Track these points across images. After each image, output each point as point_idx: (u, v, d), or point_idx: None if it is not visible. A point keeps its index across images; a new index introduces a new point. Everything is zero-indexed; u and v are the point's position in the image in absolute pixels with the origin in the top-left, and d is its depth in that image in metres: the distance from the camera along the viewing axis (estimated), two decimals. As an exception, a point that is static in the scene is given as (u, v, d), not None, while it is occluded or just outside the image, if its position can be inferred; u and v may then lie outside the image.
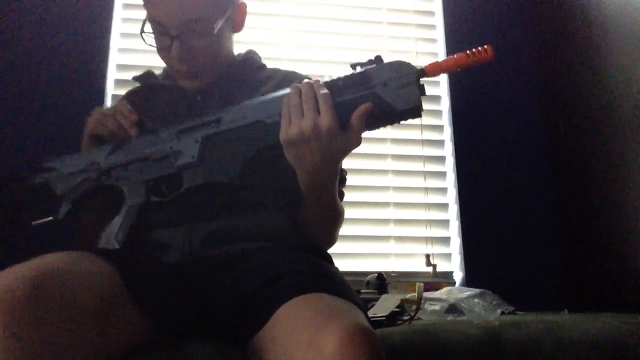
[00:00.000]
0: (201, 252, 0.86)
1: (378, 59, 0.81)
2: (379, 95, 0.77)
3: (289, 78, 1.05)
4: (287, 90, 0.83)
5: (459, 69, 0.79)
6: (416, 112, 0.77)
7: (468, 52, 0.78)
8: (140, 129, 0.91)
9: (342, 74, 0.81)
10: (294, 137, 0.78)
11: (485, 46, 0.78)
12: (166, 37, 0.92)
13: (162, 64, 1.02)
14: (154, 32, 0.95)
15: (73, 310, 0.59)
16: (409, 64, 0.79)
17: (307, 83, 0.80)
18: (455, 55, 0.78)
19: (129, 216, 0.86)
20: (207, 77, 0.99)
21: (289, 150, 0.81)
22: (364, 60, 0.82)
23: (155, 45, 0.96)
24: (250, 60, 1.08)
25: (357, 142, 0.79)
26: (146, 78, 1.07)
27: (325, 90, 0.79)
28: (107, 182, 0.90)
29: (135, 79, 1.07)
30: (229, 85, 1.01)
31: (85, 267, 0.67)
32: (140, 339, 0.73)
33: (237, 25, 1.03)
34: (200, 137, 0.86)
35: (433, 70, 0.79)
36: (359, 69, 0.80)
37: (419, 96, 0.77)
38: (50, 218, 0.89)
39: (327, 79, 0.82)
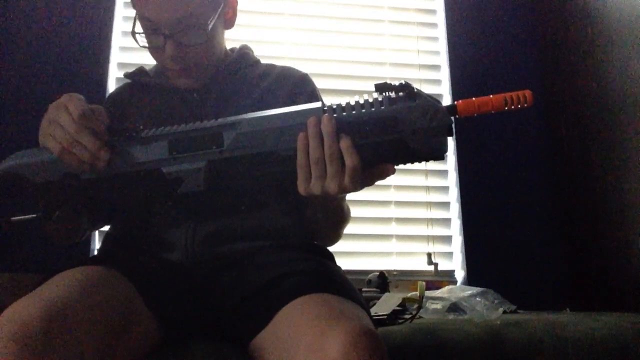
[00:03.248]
0: (203, 252, 0.85)
1: (409, 91, 0.69)
2: (405, 142, 0.69)
3: (284, 74, 1.03)
4: (297, 113, 0.72)
5: (493, 112, 0.71)
6: (440, 158, 0.71)
7: (506, 96, 0.70)
8: (121, 134, 0.78)
9: (368, 104, 0.70)
10: (316, 195, 0.70)
11: (525, 92, 0.70)
12: (159, 36, 0.89)
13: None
14: (144, 31, 0.91)
15: (84, 342, 0.60)
16: (444, 112, 0.69)
17: (331, 133, 0.68)
18: (492, 97, 0.71)
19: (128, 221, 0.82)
20: (201, 75, 0.96)
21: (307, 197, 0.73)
22: (393, 82, 0.71)
23: (147, 45, 0.92)
24: (245, 56, 1.05)
25: (372, 184, 0.73)
26: (137, 76, 1.03)
27: (355, 160, 0.68)
28: (92, 194, 0.80)
29: (127, 75, 1.03)
30: (225, 83, 0.98)
31: (96, 290, 0.67)
32: (151, 344, 0.74)
33: (229, 22, 1.00)
34: (203, 165, 0.75)
35: (465, 111, 0.71)
36: (388, 95, 0.70)
37: (447, 146, 0.70)
38: (33, 215, 0.80)
39: (352, 104, 0.71)
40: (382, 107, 0.70)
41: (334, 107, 0.71)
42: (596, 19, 1.73)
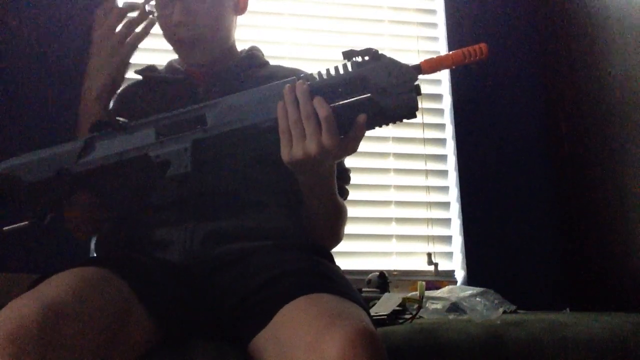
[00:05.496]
0: (203, 252, 0.85)
1: (374, 53, 0.76)
2: (376, 101, 0.74)
3: (291, 75, 1.04)
4: (273, 86, 0.78)
5: (453, 67, 0.78)
6: (412, 115, 0.76)
7: (464, 50, 0.76)
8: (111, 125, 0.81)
9: (338, 70, 0.76)
10: (299, 159, 0.75)
11: (480, 45, 0.75)
12: (169, 3, 0.93)
13: (163, 63, 1.02)
14: (156, 2, 0.96)
15: (81, 343, 0.60)
16: (409, 68, 0.75)
17: (304, 94, 0.74)
18: (451, 53, 0.76)
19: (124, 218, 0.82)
20: (207, 50, 0.98)
21: (291, 167, 0.78)
22: (358, 48, 0.77)
23: (155, 11, 0.96)
24: (253, 56, 1.07)
25: (355, 149, 0.77)
26: (148, 71, 1.06)
27: (327, 110, 0.73)
28: (86, 187, 0.82)
29: (138, 72, 1.06)
30: (231, 80, 1.00)
31: (93, 290, 0.66)
32: (150, 344, 0.74)
33: (240, 7, 1.04)
34: (188, 144, 0.77)
35: (429, 68, 0.77)
36: (355, 60, 0.76)
37: (416, 102, 0.75)
38: (25, 223, 0.80)
39: (324, 73, 0.77)
40: (350, 70, 0.75)
41: (307, 73, 0.78)
42: (596, 17, 1.73)
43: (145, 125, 0.79)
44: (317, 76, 0.77)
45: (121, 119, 0.80)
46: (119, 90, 1.05)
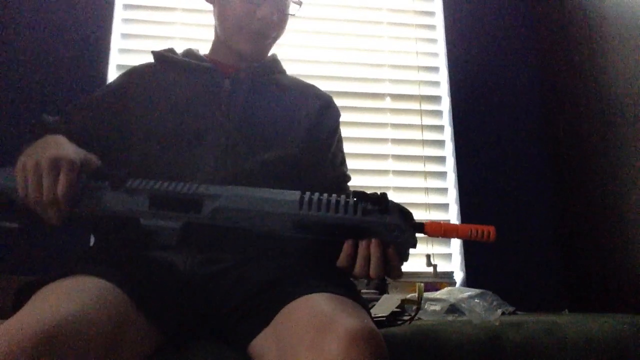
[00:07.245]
0: (201, 267, 0.84)
1: (383, 207, 0.75)
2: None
3: (314, 93, 1.09)
4: (279, 200, 0.76)
5: (456, 237, 0.77)
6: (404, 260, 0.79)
7: (472, 228, 0.76)
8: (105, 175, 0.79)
9: (347, 207, 0.75)
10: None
11: (490, 229, 0.76)
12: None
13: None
14: None
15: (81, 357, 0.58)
16: (410, 231, 0.76)
17: (379, 257, 0.73)
18: (459, 225, 0.76)
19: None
20: (264, 47, 1.05)
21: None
22: (372, 192, 0.77)
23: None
24: (277, 62, 1.12)
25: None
26: (169, 53, 1.04)
27: (379, 252, 0.74)
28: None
29: (155, 53, 1.04)
30: (257, 79, 1.02)
31: (89, 303, 0.64)
32: (151, 350, 0.73)
33: None
34: (179, 225, 0.78)
35: (433, 231, 0.77)
36: (364, 205, 0.75)
37: (408, 255, 0.78)
38: (15, 225, 0.80)
39: (326, 204, 0.75)
40: (356, 216, 0.74)
41: (313, 199, 0.75)
42: (595, 20, 1.73)
43: (140, 190, 0.78)
44: (325, 201, 0.75)
45: (120, 174, 0.79)
46: (132, 68, 1.04)
